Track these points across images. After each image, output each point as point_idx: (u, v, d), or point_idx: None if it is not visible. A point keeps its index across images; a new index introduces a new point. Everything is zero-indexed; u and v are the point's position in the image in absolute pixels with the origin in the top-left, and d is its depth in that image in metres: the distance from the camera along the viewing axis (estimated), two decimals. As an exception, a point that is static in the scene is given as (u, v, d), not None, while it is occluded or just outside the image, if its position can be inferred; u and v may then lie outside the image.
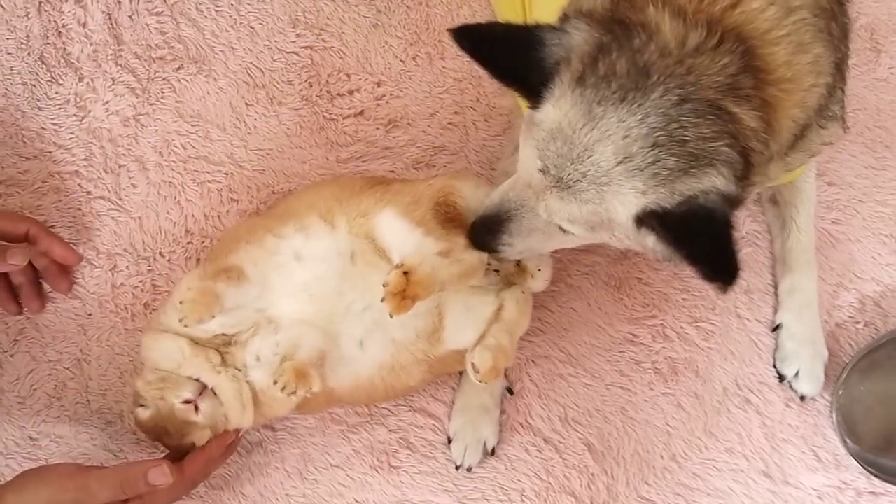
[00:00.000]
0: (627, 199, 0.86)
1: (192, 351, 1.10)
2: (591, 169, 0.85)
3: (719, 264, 0.83)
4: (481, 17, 1.52)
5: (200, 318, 1.04)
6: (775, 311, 1.40)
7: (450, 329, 1.12)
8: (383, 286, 0.96)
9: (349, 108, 1.47)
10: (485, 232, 1.05)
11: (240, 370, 1.11)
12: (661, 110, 0.82)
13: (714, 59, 0.84)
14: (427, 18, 1.51)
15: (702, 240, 0.84)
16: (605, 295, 1.40)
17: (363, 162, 1.45)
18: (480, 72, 1.38)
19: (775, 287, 1.39)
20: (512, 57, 0.88)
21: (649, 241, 0.89)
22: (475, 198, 1.16)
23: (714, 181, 0.84)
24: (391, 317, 0.96)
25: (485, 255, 1.08)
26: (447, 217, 1.13)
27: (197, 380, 1.10)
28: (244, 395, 1.10)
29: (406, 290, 0.96)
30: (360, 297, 1.10)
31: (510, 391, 1.36)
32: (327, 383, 1.13)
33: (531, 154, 0.90)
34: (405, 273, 0.96)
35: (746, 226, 1.43)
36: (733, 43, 0.85)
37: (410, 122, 1.45)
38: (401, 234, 1.09)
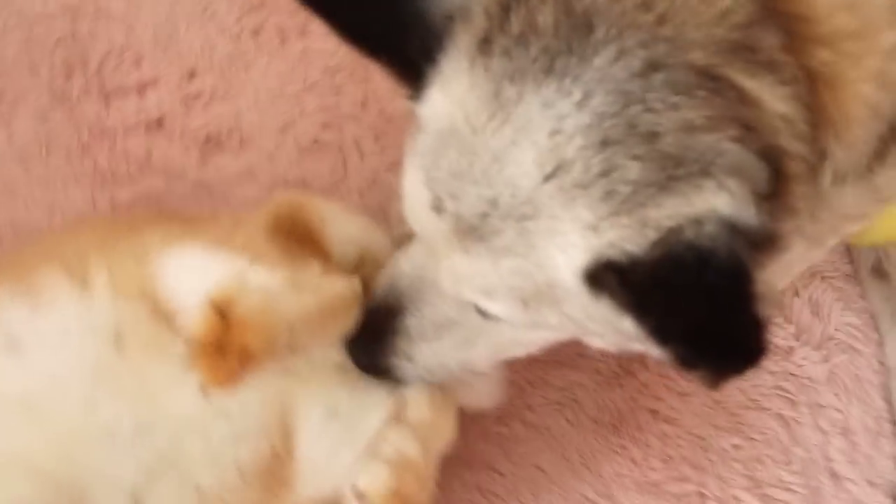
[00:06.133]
0: (568, 240, 0.66)
1: None
2: (503, 192, 0.66)
3: (717, 339, 0.63)
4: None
5: None
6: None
7: (307, 454, 0.87)
8: (191, 337, 0.83)
9: (138, 115, 1.14)
10: (368, 339, 0.86)
11: None
12: (612, 84, 0.64)
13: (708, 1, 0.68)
14: (278, -33, 1.21)
15: (692, 300, 0.63)
16: (592, 440, 1.02)
17: (159, 206, 1.14)
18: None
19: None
20: (383, 14, 0.70)
21: (626, 323, 0.69)
22: (343, 227, 0.96)
23: (712, 201, 0.63)
24: (207, 391, 0.82)
25: (357, 284, 0.91)
26: (295, 239, 0.94)
27: None
28: None
29: (227, 338, 0.77)
30: (130, 411, 0.87)
31: None
32: None
33: (416, 179, 0.72)
34: (220, 311, 0.79)
35: (836, 316, 1.03)
36: None
37: (245, 139, 1.14)
38: (207, 274, 0.86)
